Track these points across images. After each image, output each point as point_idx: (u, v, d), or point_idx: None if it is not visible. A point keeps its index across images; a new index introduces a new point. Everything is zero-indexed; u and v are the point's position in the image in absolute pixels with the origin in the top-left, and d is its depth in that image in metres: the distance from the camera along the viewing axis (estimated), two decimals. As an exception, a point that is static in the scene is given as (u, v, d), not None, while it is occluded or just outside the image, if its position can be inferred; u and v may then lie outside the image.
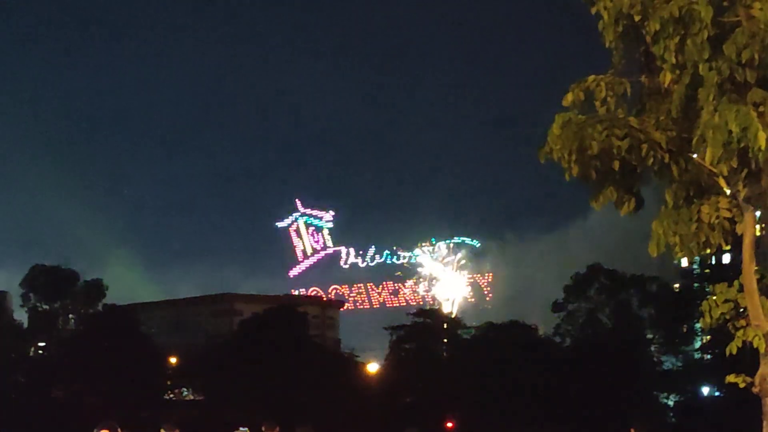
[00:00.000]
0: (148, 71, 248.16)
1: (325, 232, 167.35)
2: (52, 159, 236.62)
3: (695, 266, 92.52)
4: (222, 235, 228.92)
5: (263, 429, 21.85)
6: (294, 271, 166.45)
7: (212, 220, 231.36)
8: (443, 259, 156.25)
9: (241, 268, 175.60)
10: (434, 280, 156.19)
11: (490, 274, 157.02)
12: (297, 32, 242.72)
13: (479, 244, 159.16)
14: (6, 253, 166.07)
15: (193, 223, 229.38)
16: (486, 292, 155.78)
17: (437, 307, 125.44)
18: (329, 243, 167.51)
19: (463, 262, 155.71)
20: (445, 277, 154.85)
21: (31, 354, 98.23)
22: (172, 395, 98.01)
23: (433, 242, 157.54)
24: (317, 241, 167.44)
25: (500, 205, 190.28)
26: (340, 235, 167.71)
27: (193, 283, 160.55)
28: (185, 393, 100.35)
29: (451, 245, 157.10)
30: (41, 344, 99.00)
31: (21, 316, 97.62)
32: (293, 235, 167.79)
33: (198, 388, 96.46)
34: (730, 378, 15.66)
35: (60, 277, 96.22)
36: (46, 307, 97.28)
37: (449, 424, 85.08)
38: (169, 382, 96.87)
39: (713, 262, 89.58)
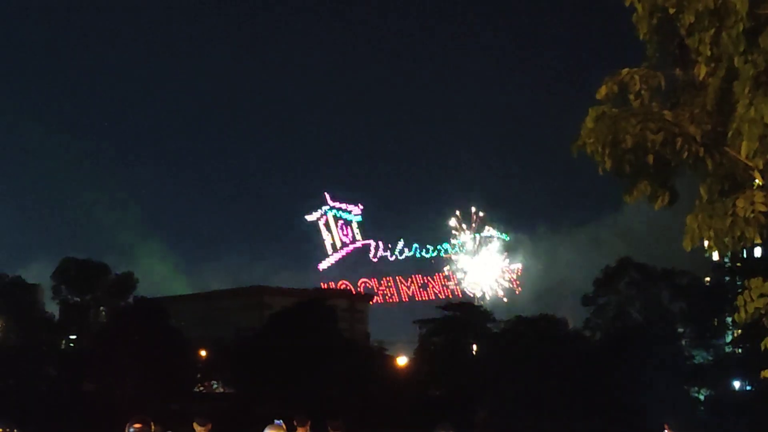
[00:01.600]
0: (177, 64, 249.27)
1: (354, 225, 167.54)
2: (84, 152, 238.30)
3: (726, 260, 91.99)
4: (252, 228, 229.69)
5: (294, 423, 21.80)
6: (323, 265, 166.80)
7: (243, 214, 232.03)
8: (473, 252, 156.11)
9: (271, 261, 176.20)
10: (464, 273, 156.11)
11: (519, 267, 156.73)
12: (321, 25, 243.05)
13: (509, 238, 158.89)
14: (38, 246, 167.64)
15: (225, 217, 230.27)
16: (515, 285, 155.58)
17: (467, 301, 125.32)
18: (358, 236, 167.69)
19: (493, 255, 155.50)
20: (475, 271, 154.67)
21: (62, 347, 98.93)
22: (202, 388, 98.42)
23: (463, 235, 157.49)
24: (346, 235, 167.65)
25: (533, 198, 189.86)
26: (369, 228, 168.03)
27: (224, 276, 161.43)
28: (215, 386, 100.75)
29: (481, 238, 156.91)
30: (72, 337, 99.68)
31: (52, 308, 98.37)
32: (322, 228, 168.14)
33: (228, 381, 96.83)
34: (765, 373, 15.54)
35: (91, 270, 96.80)
36: (77, 299, 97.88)
37: None
38: (199, 375, 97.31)
39: (744, 255, 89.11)
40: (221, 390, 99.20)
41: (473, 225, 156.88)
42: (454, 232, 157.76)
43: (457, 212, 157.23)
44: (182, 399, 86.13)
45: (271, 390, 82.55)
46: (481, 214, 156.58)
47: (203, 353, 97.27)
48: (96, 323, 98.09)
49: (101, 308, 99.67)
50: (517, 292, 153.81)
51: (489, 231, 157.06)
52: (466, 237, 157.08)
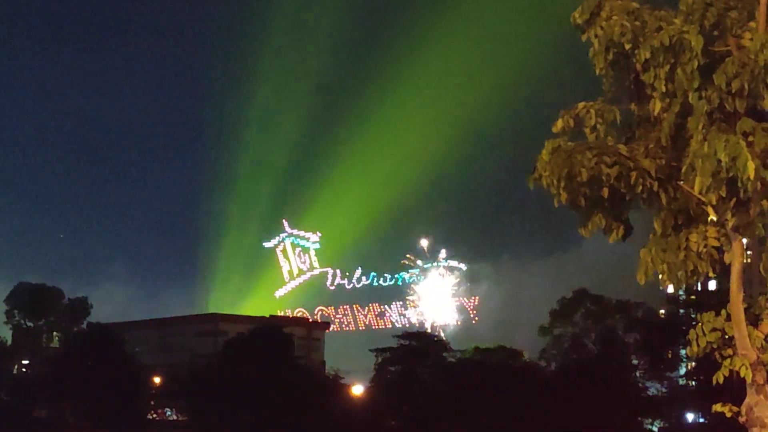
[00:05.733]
0: (146, 94, 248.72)
1: (312, 253, 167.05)
2: (45, 174, 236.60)
3: (681, 292, 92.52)
4: (213, 254, 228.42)
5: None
6: (280, 292, 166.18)
7: (203, 240, 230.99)
8: (431, 281, 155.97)
9: (229, 288, 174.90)
10: (421, 303, 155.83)
11: (476, 297, 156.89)
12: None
13: (466, 268, 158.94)
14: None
15: (186, 242, 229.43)
16: (472, 315, 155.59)
17: (424, 330, 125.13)
18: (316, 264, 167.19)
19: (451, 285, 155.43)
20: (432, 300, 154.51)
21: (15, 372, 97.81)
22: (155, 415, 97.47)
23: (421, 264, 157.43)
24: (304, 262, 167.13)
25: (496, 229, 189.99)
26: (326, 256, 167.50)
27: (182, 302, 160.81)
28: (169, 413, 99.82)
29: (440, 268, 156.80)
30: (25, 362, 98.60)
31: (5, 333, 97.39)
32: (280, 255, 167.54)
33: (182, 408, 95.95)
34: (717, 407, 15.64)
35: (44, 295, 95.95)
36: (30, 324, 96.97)
37: None
38: (152, 402, 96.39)
39: (699, 288, 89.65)
40: (175, 417, 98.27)
41: (435, 254, 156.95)
42: (410, 261, 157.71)
43: (418, 242, 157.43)
44: (135, 426, 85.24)
45: (225, 418, 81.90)
46: (441, 248, 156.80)
47: (157, 380, 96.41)
48: (49, 348, 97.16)
49: (55, 333, 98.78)
50: (474, 322, 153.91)
51: (448, 261, 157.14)
52: (424, 266, 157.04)
